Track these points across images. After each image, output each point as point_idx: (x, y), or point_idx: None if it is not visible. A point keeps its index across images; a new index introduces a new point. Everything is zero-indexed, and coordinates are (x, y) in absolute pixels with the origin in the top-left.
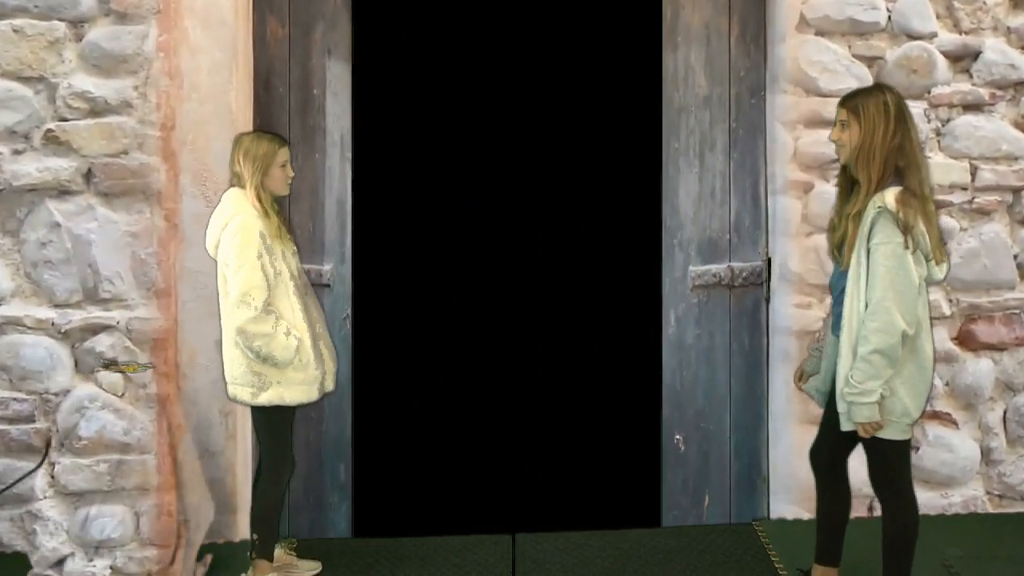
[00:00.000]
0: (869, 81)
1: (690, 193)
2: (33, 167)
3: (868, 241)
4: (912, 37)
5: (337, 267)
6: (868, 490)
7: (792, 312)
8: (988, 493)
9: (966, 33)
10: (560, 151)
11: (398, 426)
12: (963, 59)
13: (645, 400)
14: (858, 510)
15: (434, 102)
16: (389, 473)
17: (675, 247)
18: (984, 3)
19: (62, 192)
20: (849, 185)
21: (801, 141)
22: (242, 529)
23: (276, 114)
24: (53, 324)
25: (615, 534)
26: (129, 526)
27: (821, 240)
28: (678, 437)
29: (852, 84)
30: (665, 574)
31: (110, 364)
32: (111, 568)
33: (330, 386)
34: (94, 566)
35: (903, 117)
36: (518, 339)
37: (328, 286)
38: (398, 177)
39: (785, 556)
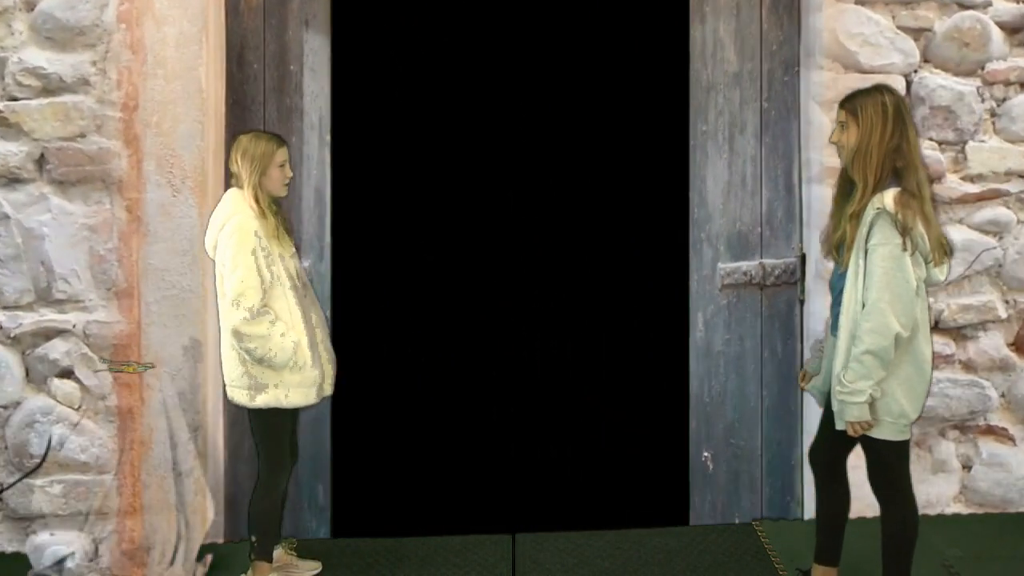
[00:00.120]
0: (915, 56)
1: (719, 182)
2: None
3: (866, 242)
4: (964, 6)
5: (316, 264)
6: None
7: (828, 315)
8: None
9: None
10: (573, 134)
11: (398, 427)
12: (1021, 31)
13: (670, 413)
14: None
15: (426, 79)
16: (389, 474)
17: (703, 242)
18: None
19: (11, 180)
20: (848, 186)
21: None
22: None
23: (251, 93)
24: (1, 328)
25: (615, 534)
26: (86, 554)
27: None
28: (706, 455)
29: (896, 59)
30: (665, 574)
31: (109, 364)
32: None
33: (328, 390)
34: None
35: (901, 118)
36: (525, 341)
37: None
38: (384, 163)
39: (785, 556)
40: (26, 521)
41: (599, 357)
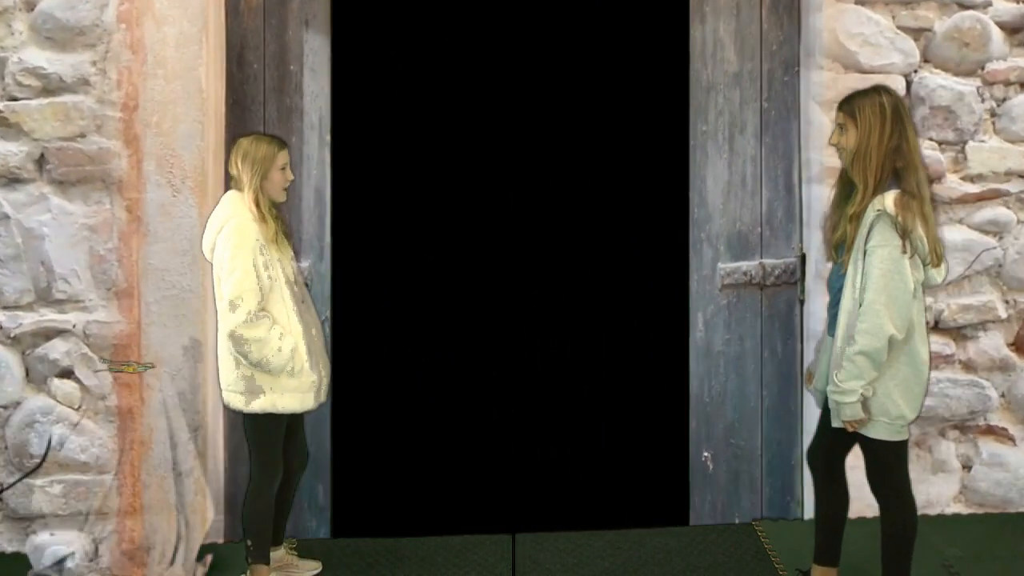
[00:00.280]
0: (915, 56)
1: (719, 182)
2: None
3: (866, 243)
4: (964, 6)
5: (315, 264)
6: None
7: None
8: None
9: None
10: (573, 134)
11: (397, 427)
12: (1021, 31)
13: (670, 413)
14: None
15: (426, 79)
16: (389, 474)
17: (703, 242)
18: None
19: (12, 180)
20: (848, 187)
21: None
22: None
23: (251, 93)
24: (1, 328)
25: (615, 534)
26: (86, 555)
27: None
28: (706, 455)
29: (896, 59)
30: (665, 574)
31: (109, 364)
32: None
33: (324, 397)
34: None
35: (900, 118)
36: (525, 341)
37: (306, 286)
38: (384, 163)
39: (785, 556)
40: (26, 521)
41: (599, 357)
